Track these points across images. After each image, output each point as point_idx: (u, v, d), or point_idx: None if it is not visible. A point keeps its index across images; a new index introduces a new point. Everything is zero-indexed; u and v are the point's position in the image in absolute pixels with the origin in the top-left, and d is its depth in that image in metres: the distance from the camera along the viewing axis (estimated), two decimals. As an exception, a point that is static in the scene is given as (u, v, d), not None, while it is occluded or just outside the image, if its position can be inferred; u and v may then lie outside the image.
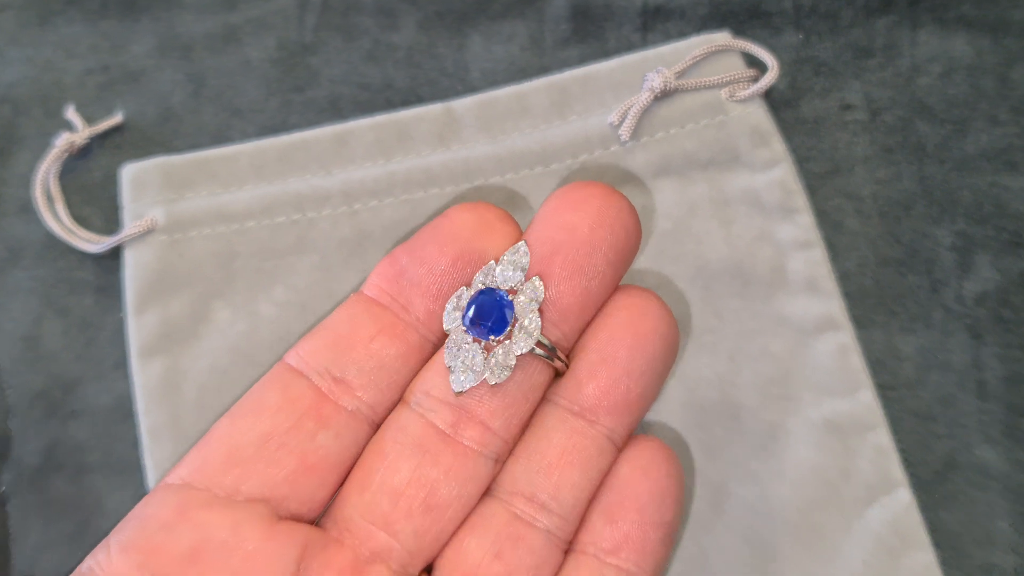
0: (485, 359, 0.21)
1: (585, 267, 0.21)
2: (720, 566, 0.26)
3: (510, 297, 0.21)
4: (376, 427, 0.22)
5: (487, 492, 0.22)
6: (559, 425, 0.22)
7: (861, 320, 0.29)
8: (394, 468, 0.21)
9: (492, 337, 0.21)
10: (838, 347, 0.28)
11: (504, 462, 0.22)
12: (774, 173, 0.30)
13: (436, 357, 0.22)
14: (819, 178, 0.31)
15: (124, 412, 0.29)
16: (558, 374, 0.23)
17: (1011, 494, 0.27)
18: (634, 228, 0.22)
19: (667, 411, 0.28)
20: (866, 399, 0.27)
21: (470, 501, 0.21)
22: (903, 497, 0.27)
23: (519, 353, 0.21)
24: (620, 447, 0.22)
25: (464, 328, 0.21)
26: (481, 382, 0.21)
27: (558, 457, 0.22)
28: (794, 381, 0.28)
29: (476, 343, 0.21)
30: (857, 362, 0.28)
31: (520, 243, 0.22)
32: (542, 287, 0.21)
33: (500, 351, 0.21)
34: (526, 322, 0.21)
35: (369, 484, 0.21)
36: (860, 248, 0.30)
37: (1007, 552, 0.27)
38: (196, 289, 0.29)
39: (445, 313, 0.22)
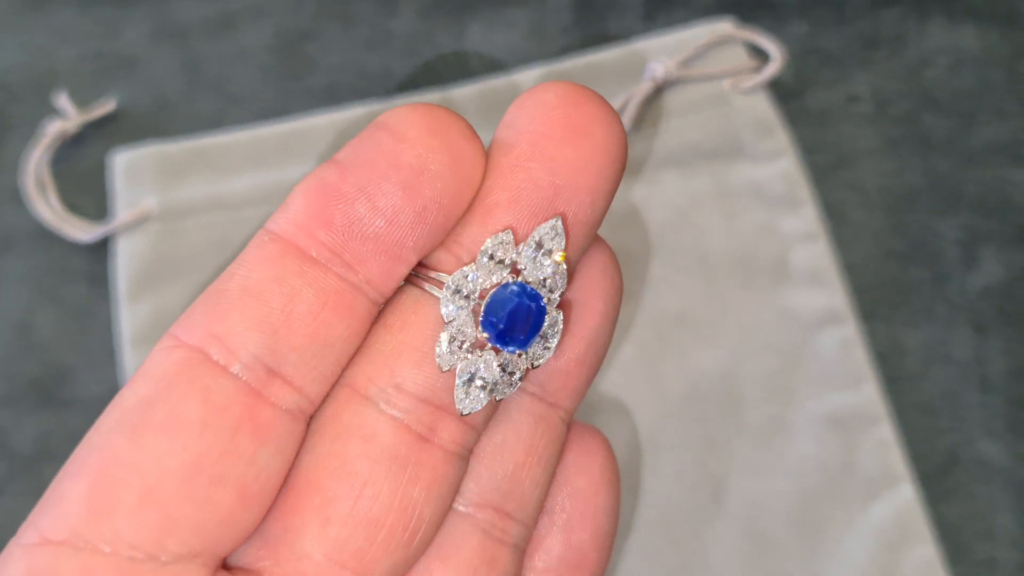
0: (498, 369, 0.17)
1: (588, 222, 0.17)
2: (721, 559, 0.26)
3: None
4: (308, 421, 0.17)
5: None
6: (524, 415, 0.18)
7: (865, 313, 0.29)
8: (371, 493, 0.16)
9: (517, 351, 0.17)
10: (841, 340, 0.28)
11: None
12: (778, 165, 0.30)
13: (400, 336, 0.17)
14: (824, 170, 0.30)
15: (118, 402, 0.28)
16: None
17: (1013, 488, 0.27)
18: (625, 158, 0.17)
19: (669, 404, 0.28)
20: (869, 393, 0.27)
21: (444, 514, 0.18)
22: (906, 492, 0.27)
23: (536, 366, 0.17)
24: (568, 427, 0.19)
25: (486, 335, 0.16)
26: None
27: (525, 455, 0.18)
28: (797, 374, 0.28)
29: (490, 348, 0.17)
30: (860, 355, 0.28)
31: (555, 220, 0.16)
32: (567, 278, 0.17)
33: (510, 360, 0.17)
34: (548, 327, 0.17)
35: (335, 513, 0.16)
36: (865, 241, 0.30)
37: (1009, 546, 0.27)
38: (191, 278, 0.29)
39: (444, 298, 0.16)
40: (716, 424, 0.27)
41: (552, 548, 0.19)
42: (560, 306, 0.17)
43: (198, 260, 0.29)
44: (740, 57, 0.30)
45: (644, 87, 0.29)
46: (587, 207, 0.16)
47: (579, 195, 0.16)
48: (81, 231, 0.29)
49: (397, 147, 0.16)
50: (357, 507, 0.16)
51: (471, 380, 0.16)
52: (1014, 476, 0.27)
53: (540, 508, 0.19)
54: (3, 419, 0.29)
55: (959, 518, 0.27)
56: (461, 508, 0.18)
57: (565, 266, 0.16)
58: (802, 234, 0.29)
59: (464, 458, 0.17)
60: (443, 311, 0.16)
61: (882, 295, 0.29)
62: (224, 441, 0.15)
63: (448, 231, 0.16)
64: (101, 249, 0.30)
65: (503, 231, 0.16)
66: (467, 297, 0.16)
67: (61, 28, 0.33)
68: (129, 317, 0.28)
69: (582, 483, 0.19)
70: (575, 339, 0.18)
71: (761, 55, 0.31)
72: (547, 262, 0.16)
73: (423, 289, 0.17)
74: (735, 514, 0.27)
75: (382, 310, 0.17)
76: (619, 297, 0.19)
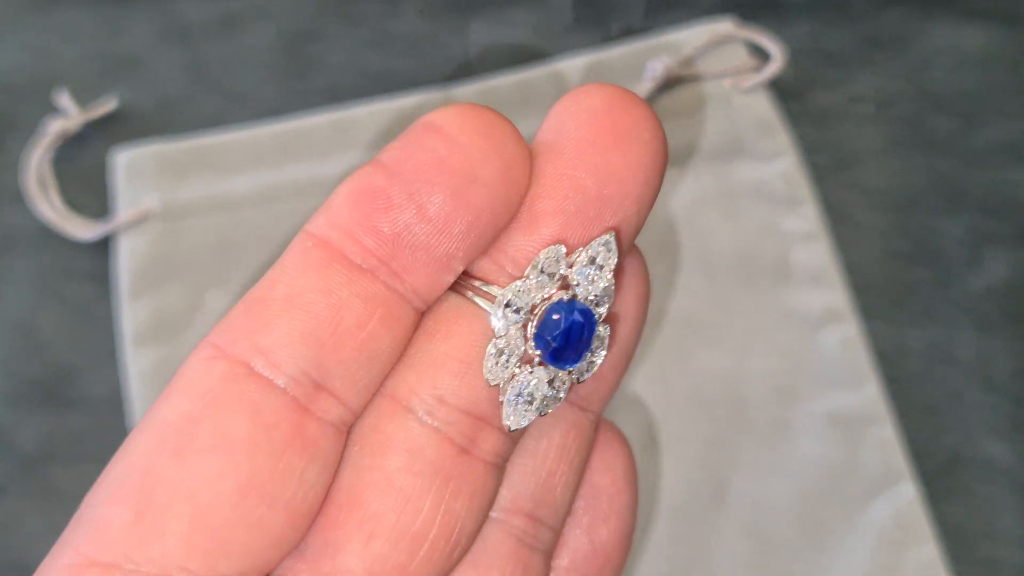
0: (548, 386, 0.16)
1: (632, 231, 0.16)
2: (723, 558, 0.26)
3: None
4: (348, 431, 0.17)
5: None
6: (558, 421, 0.18)
7: (868, 313, 0.29)
8: (414, 508, 0.16)
9: (568, 368, 0.16)
10: (843, 340, 0.28)
11: None
12: (779, 164, 0.29)
13: (442, 346, 0.16)
14: (827, 170, 0.30)
15: (121, 401, 0.28)
16: None
17: (1017, 488, 0.27)
18: (666, 165, 0.17)
19: (672, 404, 0.27)
20: (871, 392, 0.27)
21: (482, 525, 0.17)
22: (907, 491, 0.26)
23: (581, 382, 0.17)
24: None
25: (538, 352, 0.16)
26: None
27: (558, 460, 0.18)
28: (799, 374, 0.28)
29: (538, 363, 0.16)
30: (862, 355, 0.28)
31: (609, 236, 0.16)
32: (613, 287, 0.16)
33: (557, 376, 0.16)
34: (595, 345, 0.16)
35: (378, 528, 0.16)
36: (868, 241, 0.30)
37: (1012, 546, 0.27)
38: (192, 277, 0.29)
39: (495, 311, 0.16)
40: (719, 424, 0.27)
41: (577, 548, 0.19)
42: (606, 320, 0.17)
43: (199, 259, 0.29)
44: (741, 57, 0.30)
45: (645, 86, 0.29)
46: (632, 216, 0.16)
47: (626, 204, 0.16)
48: (83, 230, 0.29)
49: (447, 151, 0.15)
50: (400, 522, 0.16)
51: (519, 396, 0.16)
52: (1017, 476, 0.27)
53: (568, 511, 0.18)
54: (6, 418, 0.29)
55: (961, 518, 0.27)
56: (494, 515, 0.18)
57: (614, 280, 0.16)
58: (803, 234, 0.29)
59: (501, 468, 0.17)
60: (494, 325, 0.16)
61: (886, 295, 0.29)
62: (274, 460, 0.15)
63: (495, 239, 0.16)
64: (103, 248, 0.30)
65: (555, 244, 0.16)
66: (518, 311, 0.16)
67: (64, 28, 0.33)
68: (130, 316, 0.28)
69: (606, 482, 0.19)
70: (610, 344, 0.18)
71: (762, 55, 0.31)
72: (600, 278, 0.16)
73: (466, 298, 0.16)
74: (737, 513, 0.27)
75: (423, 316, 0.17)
76: (646, 302, 0.19)
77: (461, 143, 0.15)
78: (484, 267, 0.16)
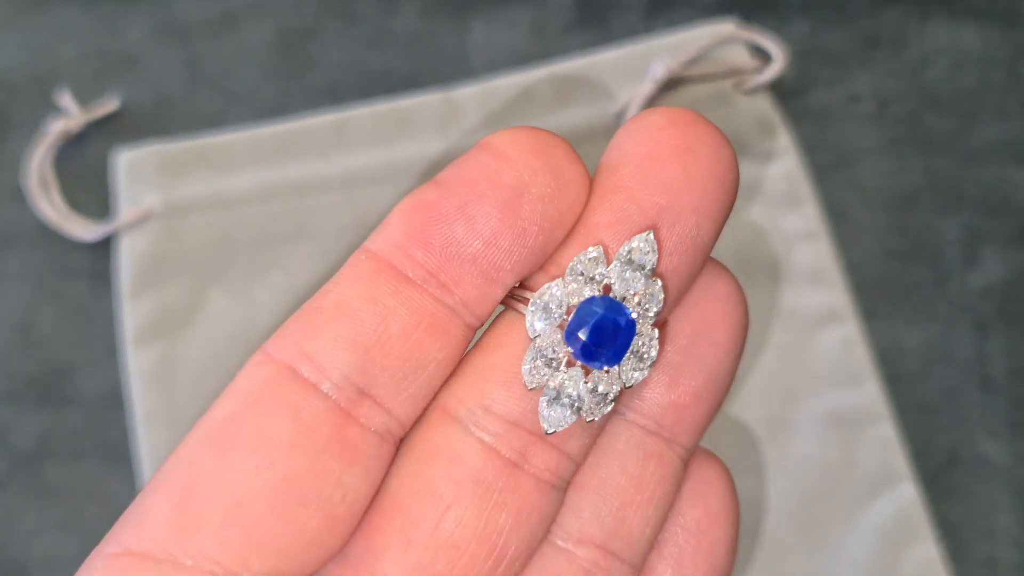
0: (587, 387, 0.16)
1: (697, 244, 0.16)
2: (722, 559, 0.26)
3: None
4: (399, 444, 0.17)
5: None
6: (633, 449, 0.17)
7: (866, 312, 0.29)
8: (455, 516, 0.16)
9: (605, 368, 0.16)
10: (842, 339, 0.28)
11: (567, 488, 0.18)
12: (780, 164, 0.30)
13: (490, 357, 0.17)
14: (825, 170, 0.30)
15: (118, 399, 0.28)
16: None
17: (1014, 488, 0.27)
18: (737, 179, 0.17)
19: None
20: (871, 391, 0.27)
21: (534, 547, 0.17)
22: (907, 491, 0.26)
23: (629, 386, 0.16)
24: (687, 462, 0.18)
25: (569, 350, 0.16)
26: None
27: (634, 492, 0.17)
28: (798, 373, 0.28)
29: (575, 364, 0.16)
30: (862, 354, 0.28)
31: (647, 234, 0.16)
32: (663, 295, 0.16)
33: (602, 378, 0.16)
34: (641, 344, 0.16)
35: (416, 536, 0.16)
36: (866, 240, 0.30)
37: (1009, 545, 0.27)
38: (192, 276, 0.29)
39: (530, 312, 0.16)
40: (716, 422, 0.27)
41: None
42: (658, 325, 0.16)
43: (200, 258, 0.29)
44: (742, 57, 0.30)
45: (646, 88, 0.30)
46: (692, 227, 0.16)
47: (684, 215, 0.16)
48: (84, 230, 0.29)
49: (498, 167, 0.15)
50: (439, 530, 0.16)
51: (556, 397, 0.16)
52: (1014, 475, 0.27)
53: (650, 547, 0.18)
54: (4, 416, 0.29)
55: (959, 517, 0.27)
56: (560, 543, 0.17)
57: (660, 282, 0.16)
58: (803, 233, 0.29)
59: (560, 489, 0.17)
60: (528, 327, 0.16)
61: (883, 294, 0.29)
62: (311, 461, 0.15)
63: (548, 254, 0.16)
64: (102, 247, 0.30)
65: (593, 247, 0.16)
66: (554, 313, 0.16)
67: (63, 27, 0.33)
68: (131, 314, 0.28)
69: (697, 515, 0.18)
70: (691, 372, 0.17)
71: (763, 55, 0.31)
72: (637, 276, 0.16)
73: (518, 311, 0.16)
74: (736, 513, 0.27)
75: (481, 333, 0.17)
76: (743, 330, 0.18)
77: (511, 158, 0.15)
78: (540, 281, 0.16)
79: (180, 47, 0.33)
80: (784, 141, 0.30)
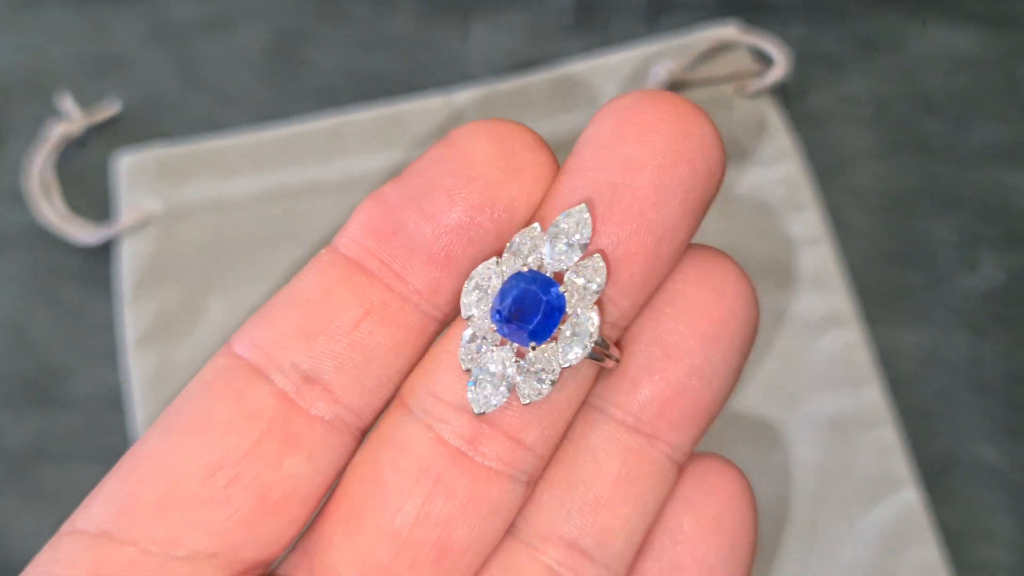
0: (519, 366, 0.15)
1: (655, 222, 0.15)
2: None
3: (559, 282, 0.15)
4: (362, 436, 0.17)
5: (511, 530, 0.17)
6: (609, 444, 0.17)
7: (862, 316, 0.29)
8: (395, 504, 0.16)
9: (532, 344, 0.15)
10: (844, 343, 0.28)
11: (535, 484, 0.17)
12: (781, 169, 0.30)
13: (444, 345, 0.16)
14: (822, 172, 0.30)
15: (113, 402, 0.28)
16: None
17: (1011, 491, 0.27)
18: (719, 160, 0.16)
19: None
20: (872, 396, 0.27)
21: (493, 540, 0.16)
22: (908, 495, 0.26)
23: (565, 365, 0.15)
24: (682, 465, 0.17)
25: (493, 326, 0.16)
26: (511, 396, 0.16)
27: (609, 489, 0.16)
28: (799, 377, 0.28)
29: (506, 342, 0.16)
30: (863, 358, 0.28)
31: (580, 207, 0.15)
32: (604, 270, 0.15)
33: (538, 358, 0.15)
34: (579, 321, 0.15)
35: (361, 524, 0.16)
36: (862, 243, 0.30)
37: (1008, 549, 0.27)
38: (192, 279, 0.29)
39: (464, 293, 0.16)
40: (716, 427, 0.27)
41: None
42: (599, 303, 0.16)
43: (201, 261, 0.29)
44: (744, 61, 0.30)
45: (643, 90, 0.30)
46: (648, 206, 0.15)
47: (643, 193, 0.15)
48: (84, 233, 0.29)
49: (451, 157, 0.15)
50: (382, 519, 0.16)
51: (484, 376, 0.15)
52: (1012, 479, 0.27)
53: (634, 552, 0.17)
54: (-2, 420, 0.28)
55: (957, 521, 0.27)
56: (525, 539, 0.17)
57: (600, 258, 0.15)
58: (805, 238, 0.29)
59: (519, 481, 0.16)
60: (463, 308, 0.16)
61: (879, 298, 0.29)
62: (248, 444, 0.15)
63: (506, 240, 0.16)
64: (97, 250, 0.30)
65: (531, 225, 0.15)
66: (487, 292, 0.15)
67: (57, 29, 0.33)
68: (132, 318, 0.28)
69: (689, 522, 0.17)
70: (670, 362, 0.16)
71: (764, 59, 0.31)
72: (569, 251, 0.15)
73: None
74: (734, 516, 0.27)
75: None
76: (738, 322, 0.17)
77: (465, 148, 0.15)
78: None
79: (174, 49, 0.33)
80: (786, 145, 0.30)
